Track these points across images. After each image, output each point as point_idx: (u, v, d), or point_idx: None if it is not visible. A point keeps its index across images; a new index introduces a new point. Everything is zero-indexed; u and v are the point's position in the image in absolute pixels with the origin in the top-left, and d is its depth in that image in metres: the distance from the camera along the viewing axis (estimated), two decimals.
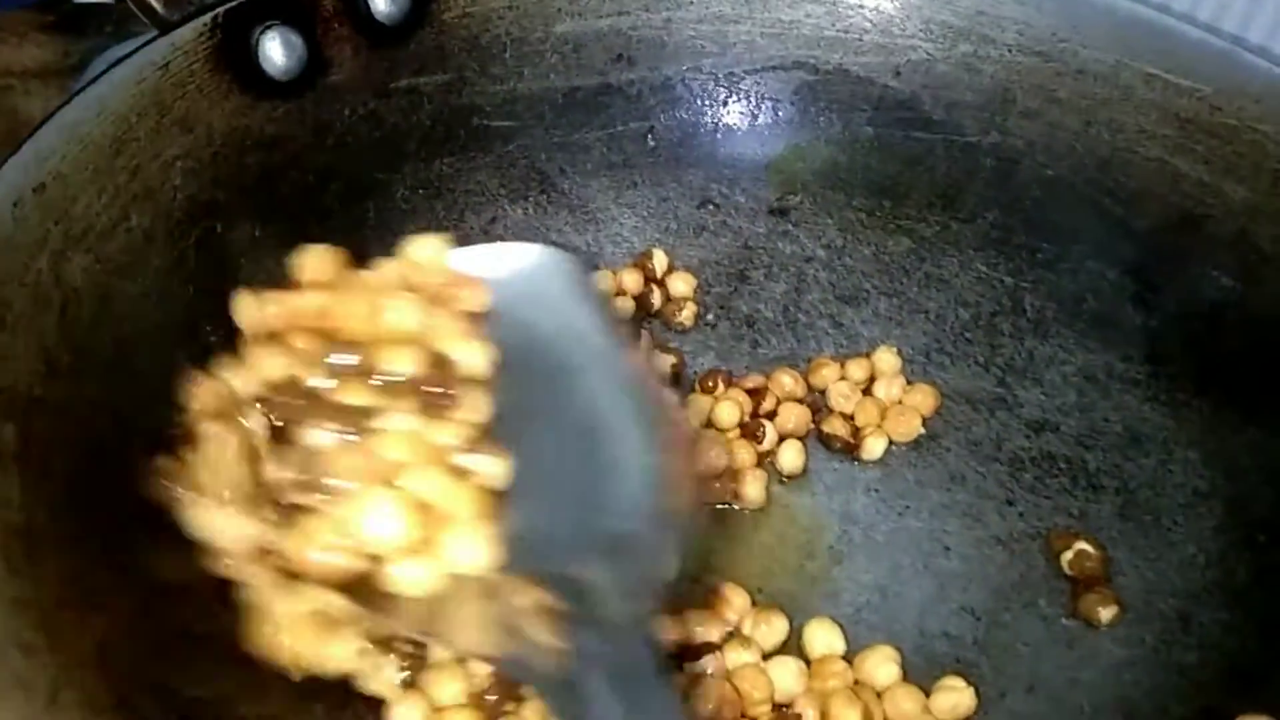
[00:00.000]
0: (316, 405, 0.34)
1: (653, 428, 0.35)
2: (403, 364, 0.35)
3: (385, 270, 0.39)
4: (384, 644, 0.37)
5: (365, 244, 0.48)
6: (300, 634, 0.35)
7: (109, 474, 0.36)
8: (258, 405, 0.35)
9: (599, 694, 0.29)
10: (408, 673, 0.37)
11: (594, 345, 0.38)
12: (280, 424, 0.35)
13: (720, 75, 0.55)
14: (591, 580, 0.32)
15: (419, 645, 0.38)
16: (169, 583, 0.35)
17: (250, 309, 0.42)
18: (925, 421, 0.48)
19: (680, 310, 0.52)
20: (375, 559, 0.32)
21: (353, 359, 0.35)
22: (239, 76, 0.44)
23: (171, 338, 0.40)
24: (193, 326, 0.42)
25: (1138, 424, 0.47)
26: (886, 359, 0.50)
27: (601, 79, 0.54)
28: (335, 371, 0.35)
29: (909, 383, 0.49)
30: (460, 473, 0.34)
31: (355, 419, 0.34)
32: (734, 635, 0.41)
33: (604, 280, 0.51)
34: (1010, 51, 0.52)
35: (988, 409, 0.49)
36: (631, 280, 0.52)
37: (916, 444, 0.48)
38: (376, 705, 0.37)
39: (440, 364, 0.35)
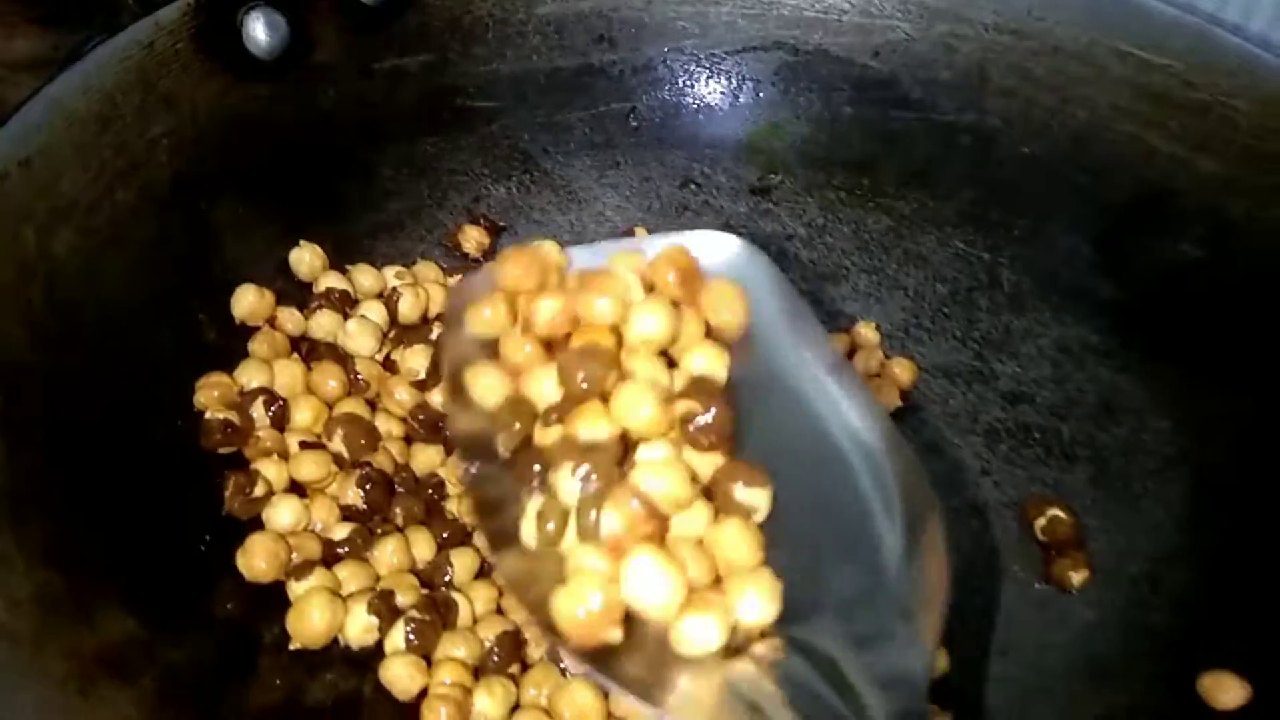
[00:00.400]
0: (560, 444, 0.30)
1: (897, 473, 0.32)
2: (657, 375, 0.31)
3: (617, 263, 0.34)
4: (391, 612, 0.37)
5: (347, 223, 0.49)
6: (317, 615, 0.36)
7: (94, 439, 0.36)
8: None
9: None
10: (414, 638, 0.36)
11: (815, 359, 0.35)
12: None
13: (702, 56, 0.56)
14: (842, 659, 0.29)
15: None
16: (149, 544, 0.36)
17: (248, 300, 0.43)
18: (903, 394, 0.49)
19: None
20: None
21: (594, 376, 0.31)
22: (223, 56, 0.45)
23: (157, 311, 0.41)
24: (179, 300, 0.42)
25: (1111, 394, 0.47)
26: (865, 334, 0.50)
27: (584, 60, 0.54)
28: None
29: (887, 356, 0.50)
30: (730, 508, 0.31)
31: (600, 456, 0.30)
32: None
33: None
34: (986, 30, 0.53)
35: (965, 382, 0.49)
36: None
37: (895, 416, 0.48)
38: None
39: (695, 381, 0.32)
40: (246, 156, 0.46)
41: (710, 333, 0.34)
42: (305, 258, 0.46)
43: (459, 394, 0.33)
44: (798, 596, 0.30)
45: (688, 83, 0.56)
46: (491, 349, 0.33)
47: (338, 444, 0.40)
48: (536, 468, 0.30)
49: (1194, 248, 0.48)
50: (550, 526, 0.29)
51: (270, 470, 0.39)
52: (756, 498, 0.31)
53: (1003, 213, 0.53)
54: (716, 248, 0.37)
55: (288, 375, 0.42)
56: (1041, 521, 0.43)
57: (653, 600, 0.28)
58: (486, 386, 0.32)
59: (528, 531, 0.30)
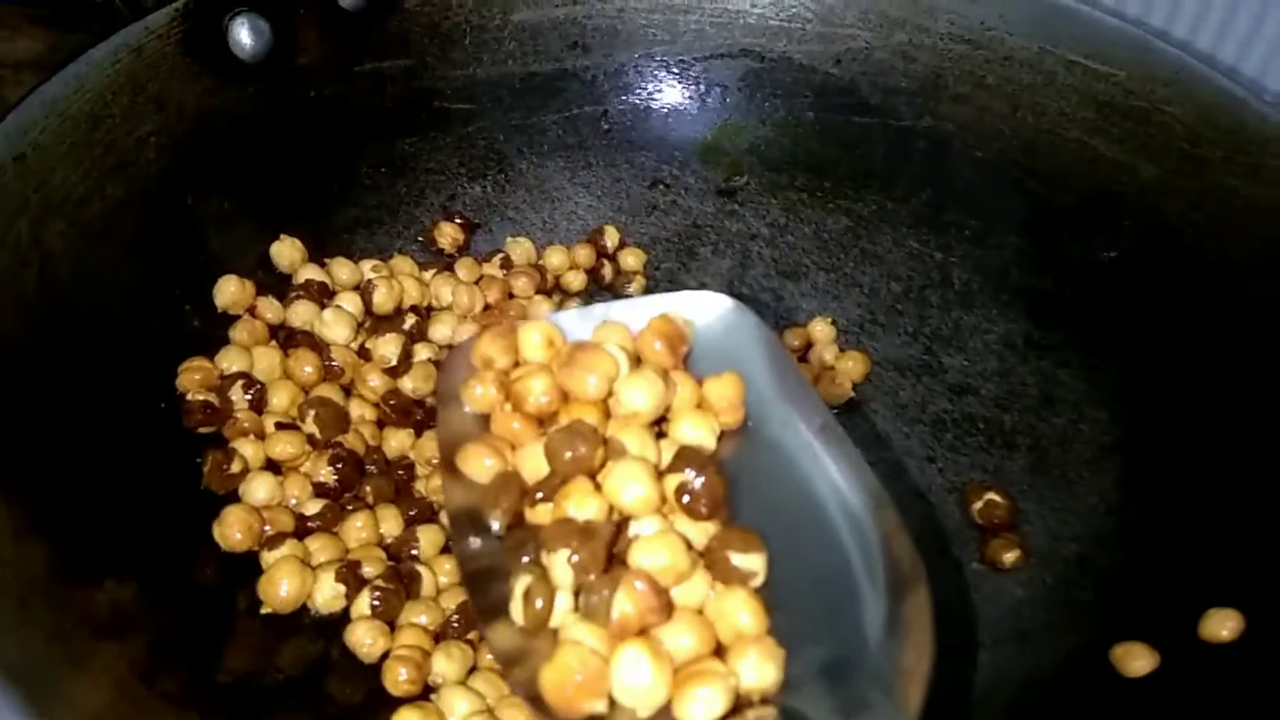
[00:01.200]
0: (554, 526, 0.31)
1: (883, 540, 0.32)
2: (646, 450, 0.32)
3: (604, 336, 0.35)
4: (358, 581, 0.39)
5: (327, 218, 0.52)
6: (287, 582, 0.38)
7: (83, 419, 0.39)
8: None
9: None
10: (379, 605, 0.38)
11: (804, 422, 0.35)
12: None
13: (671, 62, 0.58)
14: None
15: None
16: (132, 516, 0.38)
17: (230, 290, 0.46)
18: (855, 386, 0.51)
19: (629, 283, 0.55)
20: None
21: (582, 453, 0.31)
22: (209, 59, 0.47)
23: (143, 300, 0.44)
24: (164, 289, 0.45)
25: (1052, 386, 0.50)
26: (820, 329, 0.53)
27: (558, 65, 0.57)
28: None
29: (841, 350, 0.52)
30: (727, 575, 0.31)
31: (594, 541, 0.30)
32: None
33: (558, 255, 0.54)
34: (942, 40, 0.55)
35: (914, 375, 0.52)
36: (584, 255, 0.55)
37: (847, 407, 0.51)
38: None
39: (684, 450, 0.33)
40: (231, 154, 0.48)
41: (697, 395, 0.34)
42: (285, 251, 0.48)
43: (453, 470, 0.34)
44: (789, 663, 0.30)
45: (657, 87, 0.58)
46: (484, 423, 0.35)
47: (311, 425, 0.42)
48: (527, 546, 0.31)
49: (1134, 248, 0.50)
50: (539, 605, 0.30)
51: (247, 449, 0.41)
52: (753, 563, 0.31)
53: (956, 214, 0.55)
54: (707, 308, 0.38)
55: (266, 361, 0.44)
56: (978, 505, 0.45)
57: (637, 693, 0.29)
58: (479, 463, 0.33)
59: (516, 610, 0.30)
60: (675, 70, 0.58)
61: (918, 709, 0.28)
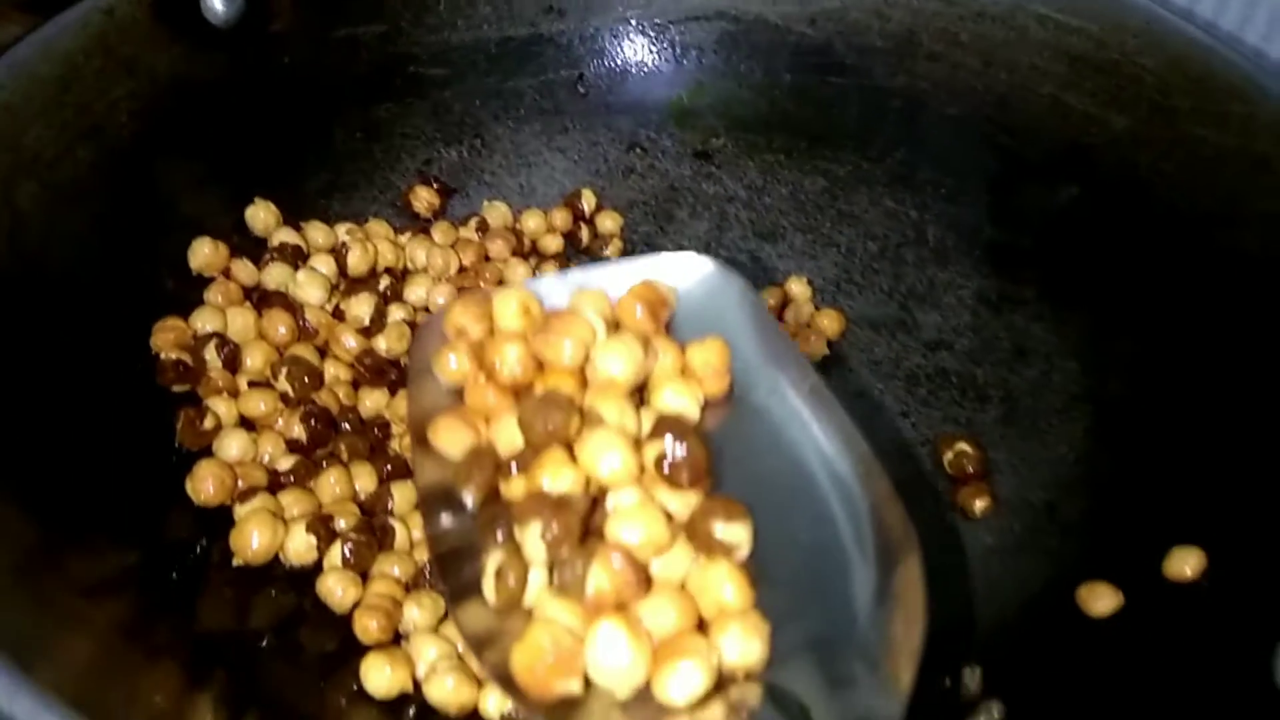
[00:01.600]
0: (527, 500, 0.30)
1: (873, 509, 0.31)
2: (625, 420, 0.31)
3: (581, 303, 0.34)
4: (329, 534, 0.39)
5: (303, 182, 0.52)
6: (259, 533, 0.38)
7: (57, 380, 0.39)
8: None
9: None
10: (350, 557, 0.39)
11: (791, 386, 0.34)
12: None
13: (646, 25, 0.58)
14: (812, 704, 0.28)
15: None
16: (107, 474, 0.39)
17: (204, 252, 0.46)
18: (831, 344, 0.51)
19: (606, 246, 0.55)
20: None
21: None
22: (182, 24, 0.48)
23: (116, 262, 0.44)
24: (139, 254, 0.45)
25: (1024, 339, 0.50)
26: (796, 288, 0.53)
27: (533, 29, 0.57)
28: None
29: (817, 309, 0.52)
30: (710, 547, 0.30)
31: (567, 513, 0.29)
32: None
33: (534, 218, 0.54)
34: None
35: (890, 332, 0.52)
36: (561, 218, 0.55)
37: (823, 365, 0.51)
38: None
39: (665, 418, 0.32)
40: (205, 120, 0.48)
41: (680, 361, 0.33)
42: (260, 214, 0.49)
43: (425, 444, 0.32)
44: (775, 638, 0.29)
45: (633, 51, 0.58)
46: (458, 397, 0.33)
47: (284, 383, 0.43)
48: (500, 522, 0.30)
49: (1106, 202, 0.50)
50: (511, 583, 0.29)
51: (220, 406, 0.42)
52: (737, 534, 0.30)
53: (930, 172, 0.56)
54: (689, 271, 0.36)
55: (240, 322, 0.44)
56: (949, 455, 0.45)
57: (614, 673, 0.28)
58: (451, 437, 0.32)
59: (487, 588, 0.29)
60: (650, 33, 0.58)
61: (909, 683, 0.27)
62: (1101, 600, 0.37)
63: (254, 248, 0.48)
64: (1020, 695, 0.35)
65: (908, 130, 0.56)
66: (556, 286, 0.37)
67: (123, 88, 0.46)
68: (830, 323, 0.51)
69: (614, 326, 0.34)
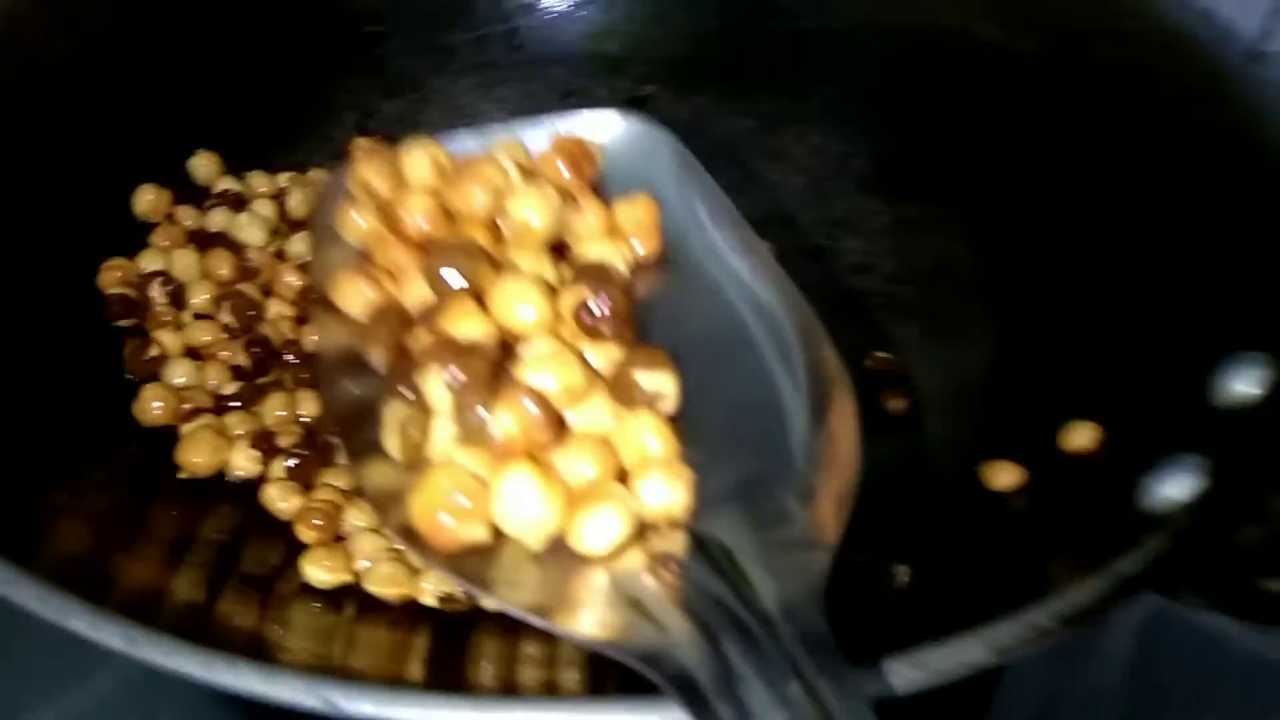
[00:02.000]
0: (439, 345, 0.29)
1: (804, 348, 0.31)
2: (541, 269, 0.30)
3: (497, 153, 0.32)
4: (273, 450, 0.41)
5: (244, 135, 0.54)
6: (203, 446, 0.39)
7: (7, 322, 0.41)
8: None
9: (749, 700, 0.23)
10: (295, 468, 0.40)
11: (718, 235, 0.34)
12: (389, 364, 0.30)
13: None
14: (737, 548, 0.28)
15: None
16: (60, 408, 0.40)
17: (147, 198, 0.47)
18: None
19: None
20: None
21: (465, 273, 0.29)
22: None
23: (64, 208, 0.45)
24: (83, 201, 0.46)
25: (942, 259, 0.52)
26: None
27: None
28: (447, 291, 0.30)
29: None
30: (634, 398, 0.30)
31: (472, 357, 0.28)
32: None
33: None
34: None
35: (818, 259, 0.54)
36: None
37: None
38: None
39: (586, 266, 0.31)
40: (145, 72, 0.50)
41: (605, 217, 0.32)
42: (202, 163, 0.50)
43: (328, 306, 0.31)
44: (702, 483, 0.29)
45: (566, 2, 0.60)
46: (365, 258, 0.33)
47: (227, 315, 0.44)
48: (404, 376, 0.29)
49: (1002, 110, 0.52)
50: (413, 434, 0.28)
51: (165, 338, 0.43)
52: (660, 383, 0.29)
53: (854, 108, 0.58)
54: (618, 128, 0.35)
55: (184, 261, 0.46)
56: (870, 363, 0.47)
57: (524, 521, 0.27)
58: (353, 295, 0.31)
59: (390, 442, 0.29)
60: None
61: (837, 533, 0.28)
62: (1003, 475, 0.39)
63: (197, 196, 0.50)
64: (929, 561, 0.37)
65: (832, 69, 0.58)
66: (472, 143, 0.35)
67: (66, 43, 0.47)
68: None
69: (532, 178, 0.33)
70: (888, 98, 0.57)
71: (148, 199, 0.48)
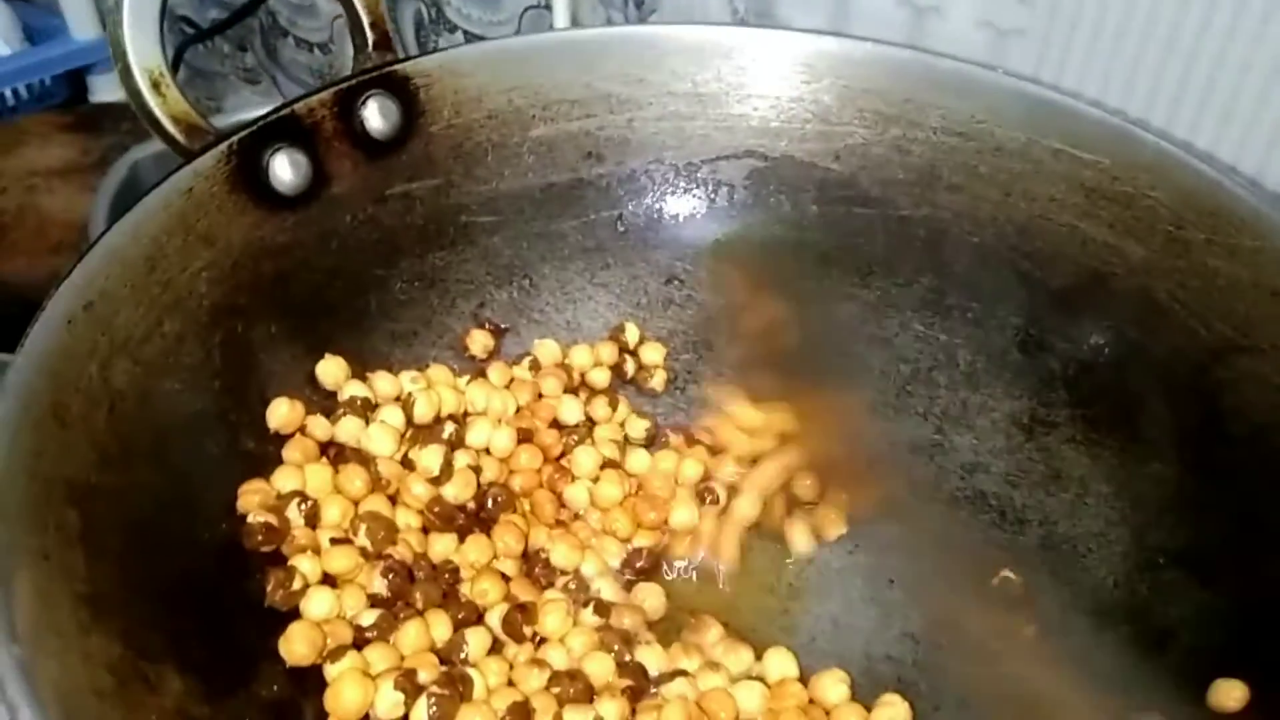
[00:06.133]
0: None
1: None
2: None
3: None
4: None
5: (367, 334, 0.55)
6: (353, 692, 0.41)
7: (153, 544, 0.42)
8: None
9: None
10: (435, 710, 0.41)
11: None
12: None
13: (680, 165, 0.61)
14: None
15: None
16: (204, 633, 0.41)
17: (281, 412, 0.49)
18: (872, 467, 0.54)
19: (651, 377, 0.58)
20: None
21: None
22: (253, 194, 0.51)
23: (202, 427, 0.47)
24: (221, 415, 0.48)
25: (1058, 463, 0.52)
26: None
27: (574, 175, 0.60)
28: None
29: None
30: None
31: None
32: (705, 663, 0.46)
33: (582, 353, 0.57)
34: (935, 134, 0.58)
35: (927, 454, 0.54)
36: (607, 352, 0.58)
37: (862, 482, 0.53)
38: None
39: None
40: (276, 281, 0.52)
41: None
42: (330, 369, 0.52)
43: None
44: None
45: (668, 190, 0.62)
46: None
47: (363, 538, 0.45)
48: None
49: (1127, 328, 0.53)
50: None
51: (305, 565, 0.44)
52: None
53: (957, 297, 0.58)
54: None
55: (318, 478, 0.47)
56: (994, 582, 0.48)
57: None
58: None
59: None
60: (684, 173, 0.62)
61: None
62: None
63: (326, 402, 0.51)
64: None
65: (933, 257, 0.59)
66: None
67: (201, 259, 0.49)
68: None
69: None
70: (992, 289, 0.57)
71: (282, 411, 0.49)
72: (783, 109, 0.60)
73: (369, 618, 0.44)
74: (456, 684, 0.42)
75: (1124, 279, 0.53)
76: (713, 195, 0.62)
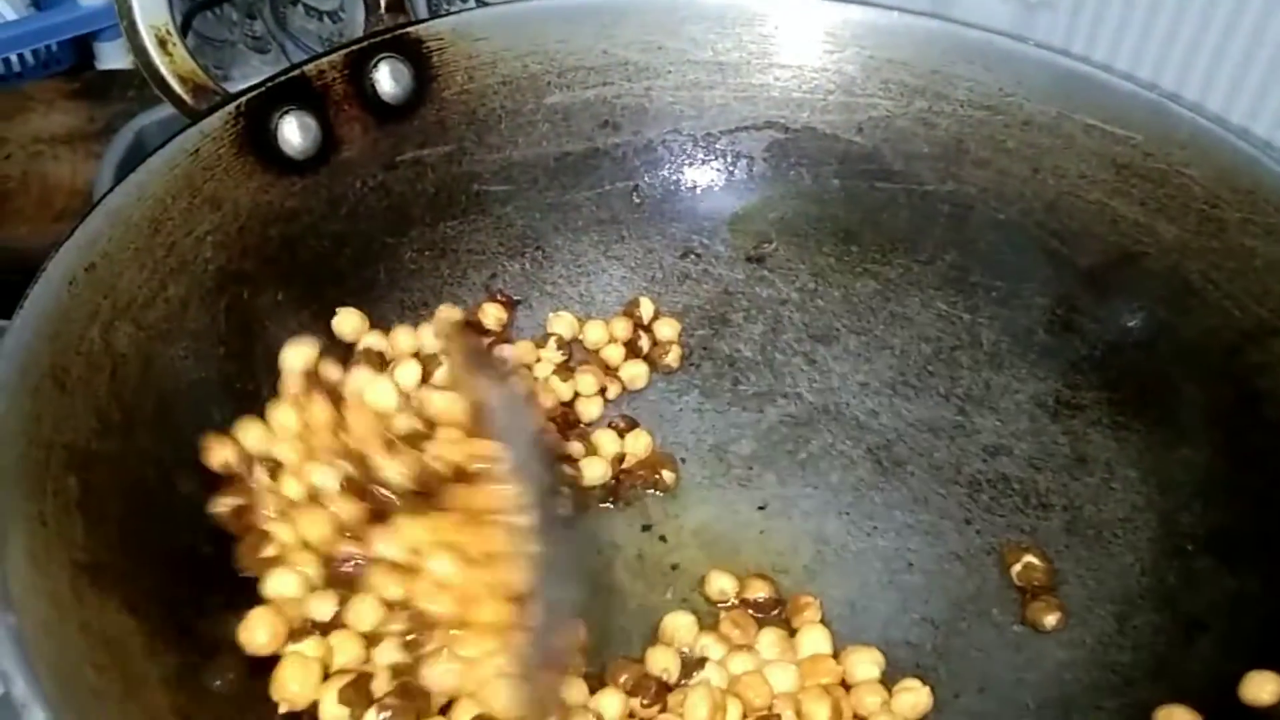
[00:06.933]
0: None
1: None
2: None
3: None
4: None
5: (376, 303, 0.54)
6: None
7: (154, 510, 0.41)
8: None
9: None
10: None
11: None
12: None
13: (698, 136, 0.60)
14: None
15: None
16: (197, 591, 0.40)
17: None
18: (890, 446, 0.52)
19: (667, 353, 0.56)
20: None
21: None
22: (261, 157, 0.50)
23: (206, 394, 0.46)
24: (225, 383, 0.47)
25: (1083, 446, 0.51)
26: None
27: (589, 144, 0.59)
28: None
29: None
30: None
31: None
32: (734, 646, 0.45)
33: (596, 329, 0.56)
34: (962, 107, 0.57)
35: (949, 436, 0.53)
36: (621, 327, 0.57)
37: (884, 470, 0.52)
38: None
39: None
40: (283, 247, 0.50)
41: None
42: (350, 321, 0.51)
43: None
44: None
45: (686, 161, 0.60)
46: None
47: (329, 477, 0.44)
48: None
49: (1157, 307, 0.51)
50: None
51: (281, 531, 0.43)
52: None
53: (982, 275, 0.57)
54: None
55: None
56: (1018, 567, 0.46)
57: None
58: None
59: None
60: (702, 144, 0.60)
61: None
62: None
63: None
64: None
65: (958, 234, 0.57)
66: None
67: (207, 223, 0.48)
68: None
69: None
70: (1018, 267, 0.56)
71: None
72: (805, 79, 0.59)
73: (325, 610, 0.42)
74: (414, 697, 0.40)
75: (1155, 258, 0.52)
76: (731, 167, 0.60)
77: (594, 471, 0.51)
